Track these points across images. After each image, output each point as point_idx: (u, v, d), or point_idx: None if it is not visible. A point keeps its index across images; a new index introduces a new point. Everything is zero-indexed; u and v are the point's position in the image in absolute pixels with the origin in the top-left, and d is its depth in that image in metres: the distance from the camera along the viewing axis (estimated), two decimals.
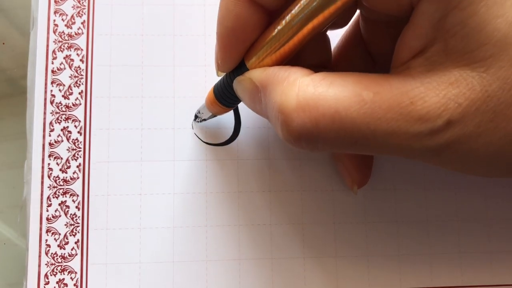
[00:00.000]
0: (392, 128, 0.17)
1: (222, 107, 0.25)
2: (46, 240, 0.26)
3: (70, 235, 0.27)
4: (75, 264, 0.26)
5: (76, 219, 0.27)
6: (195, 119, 0.28)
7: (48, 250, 0.26)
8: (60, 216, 0.27)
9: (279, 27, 0.20)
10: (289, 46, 0.20)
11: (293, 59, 0.21)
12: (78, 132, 0.27)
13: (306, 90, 0.18)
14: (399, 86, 0.17)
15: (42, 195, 0.27)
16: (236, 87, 0.22)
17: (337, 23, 0.24)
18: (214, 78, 0.28)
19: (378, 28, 0.23)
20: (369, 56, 0.25)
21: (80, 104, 0.28)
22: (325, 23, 0.19)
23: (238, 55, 0.22)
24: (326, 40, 0.24)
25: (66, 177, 0.27)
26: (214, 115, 0.26)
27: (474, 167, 0.19)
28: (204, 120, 0.27)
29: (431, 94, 0.17)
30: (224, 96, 0.24)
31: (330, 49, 0.25)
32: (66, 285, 0.26)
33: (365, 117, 0.17)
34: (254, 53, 0.21)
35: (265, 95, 0.20)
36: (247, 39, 0.21)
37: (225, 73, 0.23)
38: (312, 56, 0.23)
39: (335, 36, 0.25)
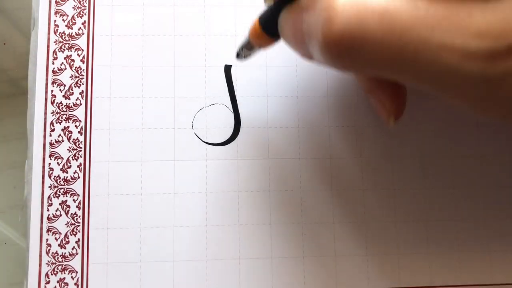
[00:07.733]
0: (446, 40, 0.15)
1: (268, 37, 0.23)
2: (47, 240, 0.27)
3: (71, 235, 0.27)
4: (75, 263, 0.26)
5: (76, 219, 0.27)
6: (237, 57, 0.26)
7: (49, 250, 0.26)
8: (60, 215, 0.27)
9: None
10: None
11: None
12: (79, 132, 0.28)
13: None
14: (456, 0, 0.16)
15: (42, 194, 0.27)
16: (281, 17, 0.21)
17: None
18: (214, 77, 0.28)
19: None
20: None
21: (80, 104, 0.28)
22: None
23: None
24: None
25: (67, 177, 0.27)
26: (257, 48, 0.25)
27: None
28: (248, 56, 0.26)
29: (492, 11, 0.15)
30: (272, 24, 0.22)
31: None
32: (67, 284, 0.26)
33: (417, 22, 0.16)
34: None
35: (313, 4, 0.18)
36: None
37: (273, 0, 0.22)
38: None
39: None
